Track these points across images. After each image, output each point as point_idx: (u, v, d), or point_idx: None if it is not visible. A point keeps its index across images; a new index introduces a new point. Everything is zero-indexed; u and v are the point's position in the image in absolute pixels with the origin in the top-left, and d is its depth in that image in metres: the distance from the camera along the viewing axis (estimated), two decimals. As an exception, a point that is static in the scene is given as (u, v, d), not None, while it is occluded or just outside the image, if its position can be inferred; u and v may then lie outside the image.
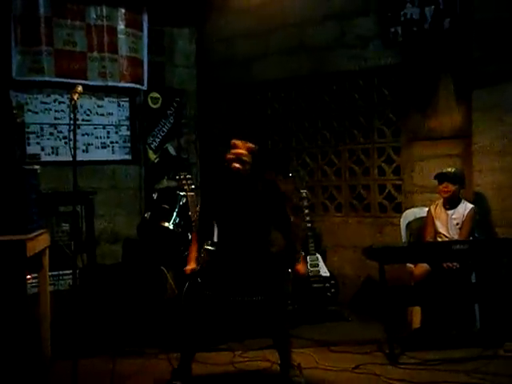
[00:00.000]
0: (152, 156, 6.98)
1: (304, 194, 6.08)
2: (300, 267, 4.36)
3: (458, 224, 5.24)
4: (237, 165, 4.14)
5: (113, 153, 6.77)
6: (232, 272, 4.10)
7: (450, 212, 5.28)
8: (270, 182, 4.30)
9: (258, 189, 4.22)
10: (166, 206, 5.61)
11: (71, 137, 3.78)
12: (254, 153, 4.21)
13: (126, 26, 6.68)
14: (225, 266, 4.14)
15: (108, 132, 6.73)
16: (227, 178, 4.24)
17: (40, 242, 4.20)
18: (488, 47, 5.45)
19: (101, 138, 6.68)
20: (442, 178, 5.27)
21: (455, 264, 4.99)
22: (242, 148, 4.17)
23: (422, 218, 5.53)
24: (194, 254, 4.29)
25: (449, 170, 5.28)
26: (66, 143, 6.30)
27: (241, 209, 4.18)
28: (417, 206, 5.82)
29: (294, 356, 4.44)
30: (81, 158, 6.12)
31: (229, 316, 4.52)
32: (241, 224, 4.19)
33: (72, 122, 3.78)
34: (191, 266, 4.22)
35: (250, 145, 4.22)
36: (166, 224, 5.51)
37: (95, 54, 6.49)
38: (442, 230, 5.28)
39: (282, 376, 4.15)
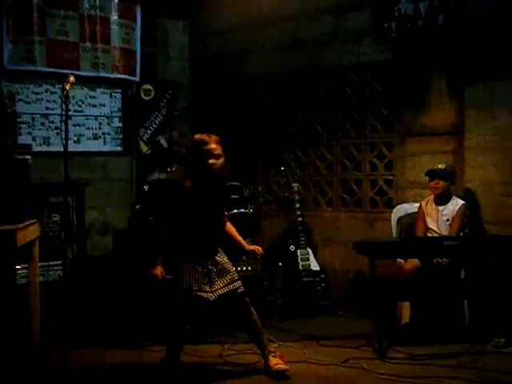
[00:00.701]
0: (144, 148, 6.96)
1: (295, 188, 6.08)
2: (253, 247, 4.44)
3: (448, 220, 5.25)
4: (219, 161, 4.11)
5: (104, 144, 6.74)
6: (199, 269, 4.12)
7: (440, 208, 5.29)
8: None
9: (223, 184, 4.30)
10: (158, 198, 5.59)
11: (63, 127, 3.77)
12: (221, 144, 4.17)
13: (119, 16, 6.64)
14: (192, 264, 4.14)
15: (100, 123, 6.70)
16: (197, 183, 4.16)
17: (30, 232, 4.18)
18: (481, 44, 5.46)
19: (92, 129, 6.65)
20: (432, 174, 5.28)
21: (445, 260, 5.01)
22: (213, 144, 4.12)
23: (413, 213, 5.54)
24: (160, 255, 4.21)
25: (439, 166, 5.29)
26: (57, 134, 6.28)
27: (209, 207, 4.18)
28: (408, 202, 5.84)
29: (283, 350, 4.48)
30: (72, 149, 6.09)
31: (202, 311, 4.48)
32: (207, 222, 4.18)
33: (64, 112, 3.77)
34: (159, 269, 4.13)
35: (215, 137, 4.17)
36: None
37: (88, 44, 6.46)
38: (432, 225, 5.30)
39: (265, 366, 4.19)
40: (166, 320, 4.21)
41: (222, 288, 4.12)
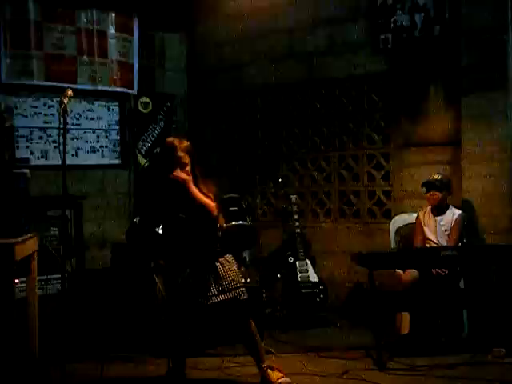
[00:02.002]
0: (142, 161, 6.96)
1: (293, 200, 6.08)
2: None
3: (446, 230, 5.26)
4: (183, 175, 4.02)
5: (102, 157, 6.76)
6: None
7: (438, 218, 5.30)
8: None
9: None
10: (156, 211, 5.58)
11: (61, 141, 3.77)
12: (190, 152, 4.11)
13: (117, 30, 6.67)
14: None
15: (98, 136, 6.72)
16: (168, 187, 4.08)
17: (29, 246, 4.17)
18: (476, 55, 5.49)
19: (90, 142, 6.67)
20: (428, 186, 5.30)
21: (444, 270, 5.01)
22: (179, 150, 4.05)
23: (411, 224, 5.54)
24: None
25: (435, 177, 5.29)
26: (55, 147, 6.29)
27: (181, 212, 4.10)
28: (406, 212, 5.84)
29: (283, 361, 4.46)
30: (70, 162, 6.06)
31: (201, 320, 4.44)
32: (186, 225, 4.10)
33: (62, 125, 3.77)
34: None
35: (186, 143, 4.12)
36: (156, 229, 5.49)
37: (85, 58, 6.48)
38: (430, 236, 5.30)
39: (263, 380, 4.13)
40: (167, 331, 4.19)
41: (218, 295, 4.04)
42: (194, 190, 4.03)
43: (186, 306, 4.02)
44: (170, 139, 4.20)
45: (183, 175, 4.00)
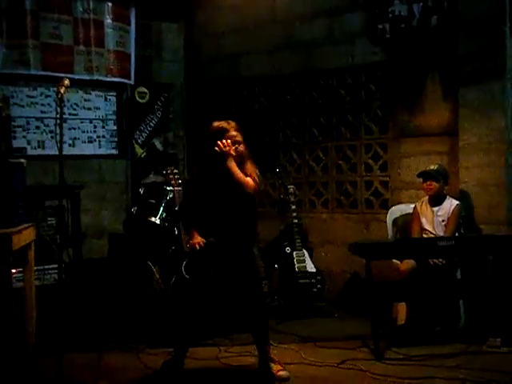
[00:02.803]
0: (139, 151, 6.96)
1: (291, 190, 6.09)
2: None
3: (443, 221, 5.26)
4: (240, 148, 4.05)
5: (99, 147, 6.75)
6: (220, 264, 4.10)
7: (435, 209, 5.30)
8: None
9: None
10: (153, 201, 5.60)
11: (58, 131, 3.76)
12: (240, 130, 4.12)
13: (114, 19, 6.65)
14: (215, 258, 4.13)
15: (95, 126, 6.71)
16: (215, 170, 4.08)
17: (26, 235, 4.16)
18: (474, 45, 5.47)
19: (87, 132, 6.66)
20: (425, 176, 5.29)
21: (441, 260, 5.01)
22: (230, 130, 4.07)
23: (409, 214, 5.54)
24: (195, 232, 4.17)
25: (431, 167, 5.29)
26: (52, 137, 6.28)
27: (228, 198, 4.08)
28: (403, 203, 5.85)
29: (280, 351, 4.48)
30: (67, 152, 6.10)
31: (215, 309, 4.46)
32: (228, 214, 4.10)
33: (59, 115, 3.76)
34: (197, 239, 4.10)
35: (234, 123, 4.12)
36: (153, 219, 5.51)
37: (82, 47, 6.47)
38: (427, 226, 5.30)
39: (262, 372, 4.16)
40: (176, 320, 4.18)
41: (239, 283, 4.08)
42: (233, 164, 4.01)
43: (211, 292, 4.02)
44: (216, 123, 4.14)
45: (227, 148, 3.98)
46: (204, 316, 4.29)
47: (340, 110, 6.46)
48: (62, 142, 3.76)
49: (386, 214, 5.78)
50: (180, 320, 4.12)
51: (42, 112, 6.36)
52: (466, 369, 4.17)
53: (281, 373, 4.12)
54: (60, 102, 3.79)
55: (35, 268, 4.53)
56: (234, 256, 4.12)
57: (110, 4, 6.62)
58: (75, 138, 6.57)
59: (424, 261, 5.05)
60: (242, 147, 4.08)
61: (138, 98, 6.98)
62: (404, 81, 6.01)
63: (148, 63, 7.16)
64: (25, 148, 6.26)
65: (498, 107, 5.38)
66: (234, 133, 4.06)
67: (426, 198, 5.36)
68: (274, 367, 4.15)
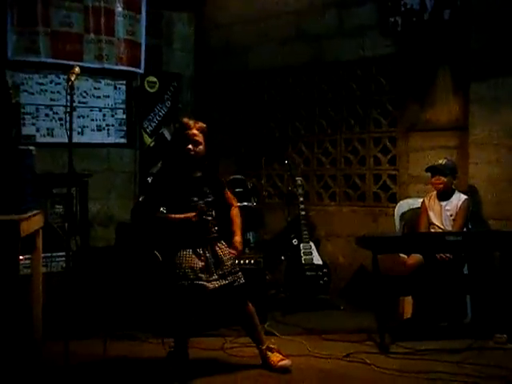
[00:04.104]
0: (147, 140, 6.95)
1: (299, 182, 6.08)
2: (233, 250, 4.26)
3: (451, 215, 5.24)
4: (191, 147, 4.09)
5: (108, 136, 6.75)
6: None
7: (443, 203, 5.28)
8: (210, 168, 4.28)
9: (202, 175, 4.20)
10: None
11: (67, 118, 3.77)
12: (204, 132, 4.16)
13: (124, 8, 6.63)
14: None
15: (104, 115, 6.71)
16: (178, 165, 4.16)
17: (34, 222, 4.18)
18: (487, 39, 5.45)
19: (96, 120, 6.66)
20: (433, 170, 5.28)
21: (448, 255, 5.00)
22: (193, 128, 4.13)
23: (417, 208, 5.54)
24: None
25: (440, 162, 5.27)
26: (61, 125, 6.29)
27: (188, 194, 4.13)
28: (411, 197, 5.83)
29: (285, 343, 4.48)
30: (76, 140, 6.06)
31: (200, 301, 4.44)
32: (192, 208, 4.09)
33: (69, 103, 3.76)
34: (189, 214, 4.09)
35: (201, 124, 4.18)
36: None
37: (92, 35, 6.46)
38: (435, 221, 5.29)
39: (264, 362, 4.16)
40: (170, 312, 4.20)
41: (219, 279, 4.07)
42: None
43: (190, 288, 4.02)
44: (184, 119, 4.25)
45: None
46: (202, 308, 4.29)
47: (350, 103, 6.44)
48: (71, 129, 3.76)
49: (394, 207, 5.77)
50: (174, 311, 4.11)
51: (51, 100, 6.36)
52: (471, 364, 4.16)
53: (282, 362, 4.10)
54: (70, 89, 3.79)
55: (43, 255, 4.56)
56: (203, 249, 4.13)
57: (121, -8, 6.60)
58: (84, 126, 6.57)
59: (431, 255, 5.03)
60: (200, 149, 4.12)
61: (147, 87, 6.97)
62: (414, 74, 5.99)
63: (158, 52, 7.14)
64: (34, 135, 6.27)
65: (508, 102, 5.35)
66: (194, 131, 4.11)
67: (435, 192, 5.35)
68: (273, 357, 4.13)
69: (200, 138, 4.12)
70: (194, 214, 4.04)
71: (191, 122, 4.16)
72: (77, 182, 5.61)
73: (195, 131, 4.12)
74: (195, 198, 4.10)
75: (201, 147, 4.12)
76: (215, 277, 4.07)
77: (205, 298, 4.09)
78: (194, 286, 3.97)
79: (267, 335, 4.46)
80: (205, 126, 4.19)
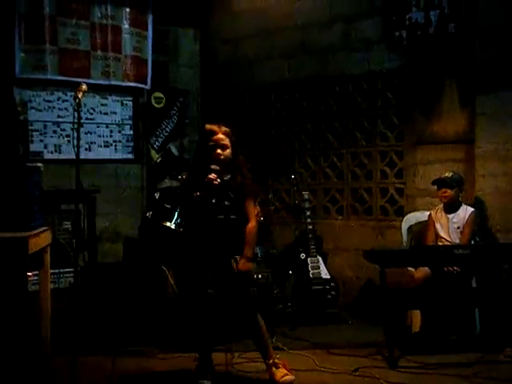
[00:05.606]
0: (154, 156, 6.97)
1: (306, 196, 6.08)
2: (240, 265, 4.13)
3: (458, 228, 5.24)
4: (219, 151, 4.06)
5: (115, 152, 6.77)
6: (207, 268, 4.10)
7: (450, 216, 5.28)
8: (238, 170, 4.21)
9: (231, 184, 4.14)
10: (168, 206, 5.60)
11: (75, 135, 3.79)
12: (230, 136, 4.14)
13: (131, 25, 6.67)
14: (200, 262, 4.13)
15: (111, 131, 6.73)
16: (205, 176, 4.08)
17: (42, 239, 4.19)
18: (491, 52, 5.46)
19: (104, 136, 6.68)
20: (440, 183, 5.28)
21: (456, 268, 4.99)
22: (219, 133, 4.09)
23: (424, 221, 5.53)
24: None
25: (446, 174, 5.27)
26: (68, 141, 6.31)
27: (216, 206, 4.08)
28: (418, 210, 5.82)
29: (293, 358, 4.46)
30: (83, 157, 6.09)
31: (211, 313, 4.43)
32: (215, 223, 4.09)
33: (76, 120, 3.78)
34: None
35: (226, 128, 4.15)
36: (168, 223, 5.50)
37: (99, 53, 6.49)
38: (442, 234, 5.28)
39: (270, 377, 4.14)
40: (191, 326, 4.18)
41: (230, 292, 4.07)
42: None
43: (202, 301, 4.01)
44: (208, 125, 4.20)
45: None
46: (216, 320, 4.28)
47: (356, 117, 6.45)
48: (79, 146, 3.78)
49: (401, 221, 5.76)
50: (197, 324, 4.11)
51: (58, 116, 6.39)
52: (481, 378, 4.14)
53: (285, 378, 4.08)
54: (78, 106, 3.82)
55: (51, 271, 4.57)
56: (219, 264, 4.11)
57: (127, 9, 6.64)
58: (91, 143, 6.60)
59: (439, 269, 5.02)
60: (227, 152, 4.10)
61: (154, 103, 6.99)
62: (420, 88, 6.00)
63: (164, 68, 7.17)
64: (42, 152, 6.30)
65: (514, 115, 5.36)
66: (221, 136, 4.09)
67: (442, 205, 5.34)
68: (278, 373, 4.10)
69: (226, 141, 4.10)
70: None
71: (215, 127, 4.12)
72: (84, 198, 5.62)
73: (221, 135, 4.09)
74: (223, 202, 4.09)
75: (228, 150, 4.10)
76: (226, 290, 4.07)
77: (216, 308, 4.09)
78: (205, 295, 3.99)
79: (275, 350, 4.43)
80: (229, 129, 4.16)
